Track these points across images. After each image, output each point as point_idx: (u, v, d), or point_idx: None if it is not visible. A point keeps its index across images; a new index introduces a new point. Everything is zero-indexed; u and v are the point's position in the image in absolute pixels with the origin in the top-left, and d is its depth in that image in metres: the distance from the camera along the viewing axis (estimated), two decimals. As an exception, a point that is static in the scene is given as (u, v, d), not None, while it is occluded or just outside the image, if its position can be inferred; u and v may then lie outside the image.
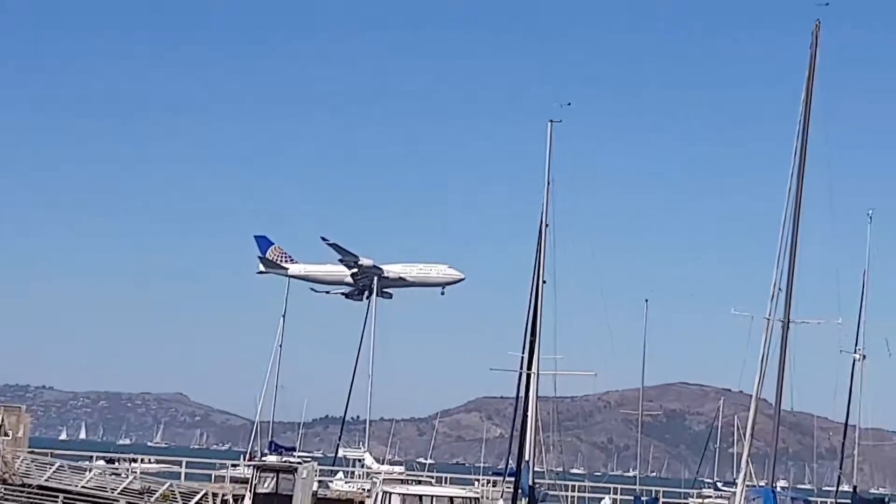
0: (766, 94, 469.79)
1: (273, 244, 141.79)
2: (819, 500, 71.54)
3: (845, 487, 75.86)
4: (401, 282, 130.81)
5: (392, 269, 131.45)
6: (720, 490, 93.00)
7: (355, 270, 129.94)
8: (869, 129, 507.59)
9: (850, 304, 70.01)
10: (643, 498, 78.91)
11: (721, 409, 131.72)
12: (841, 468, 73.45)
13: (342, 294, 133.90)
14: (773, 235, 45.19)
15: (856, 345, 70.64)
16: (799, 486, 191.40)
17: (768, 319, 44.55)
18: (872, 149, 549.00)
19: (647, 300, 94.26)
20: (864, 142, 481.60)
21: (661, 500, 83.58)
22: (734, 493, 50.67)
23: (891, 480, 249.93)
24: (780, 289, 44.69)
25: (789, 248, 44.77)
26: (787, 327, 44.59)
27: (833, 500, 70.89)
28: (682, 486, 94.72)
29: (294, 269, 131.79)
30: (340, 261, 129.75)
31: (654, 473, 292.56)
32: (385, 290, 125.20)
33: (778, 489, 51.85)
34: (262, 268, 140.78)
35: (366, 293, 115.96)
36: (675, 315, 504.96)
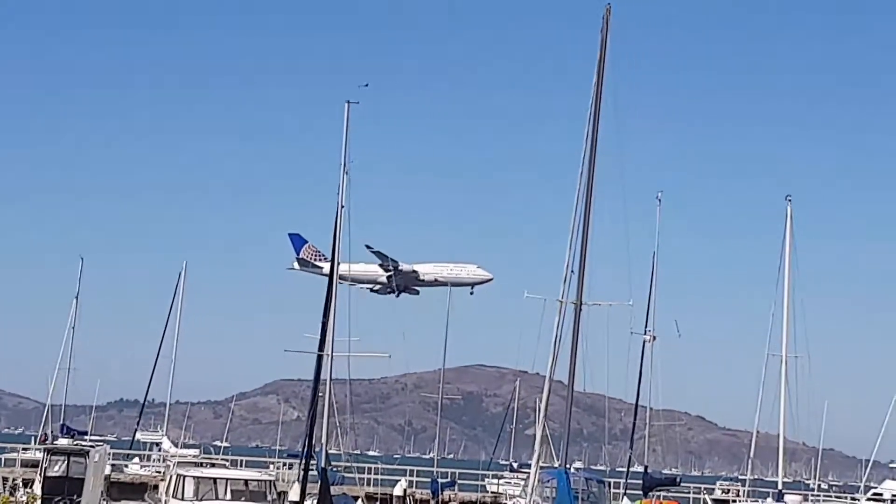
0: (559, 78, 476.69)
1: (307, 242, 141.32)
2: (612, 480, 72.56)
3: (638, 468, 77.14)
4: (434, 283, 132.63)
5: (427, 271, 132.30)
6: (515, 471, 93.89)
7: (391, 273, 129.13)
8: (659, 114, 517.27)
9: (640, 285, 71.50)
10: (440, 480, 79.19)
11: (517, 391, 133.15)
12: (632, 449, 74.72)
13: (369, 289, 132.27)
14: (567, 219, 45.67)
15: (646, 326, 71.93)
16: (593, 468, 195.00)
17: (561, 302, 44.99)
18: (663, 133, 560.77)
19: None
20: (654, 127, 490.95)
21: (458, 482, 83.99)
22: (529, 474, 51.03)
23: (682, 460, 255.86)
24: (572, 271, 45.22)
25: (581, 232, 45.33)
26: (580, 309, 45.10)
27: (624, 481, 72.02)
28: (479, 468, 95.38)
29: (329, 268, 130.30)
30: (380, 265, 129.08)
31: (452, 455, 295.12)
32: (414, 287, 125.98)
33: (572, 470, 52.39)
34: (296, 266, 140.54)
35: (397, 291, 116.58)
36: (473, 298, 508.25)
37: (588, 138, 45.59)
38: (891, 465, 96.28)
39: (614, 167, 46.31)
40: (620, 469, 77.21)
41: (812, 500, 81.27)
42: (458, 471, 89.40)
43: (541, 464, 48.24)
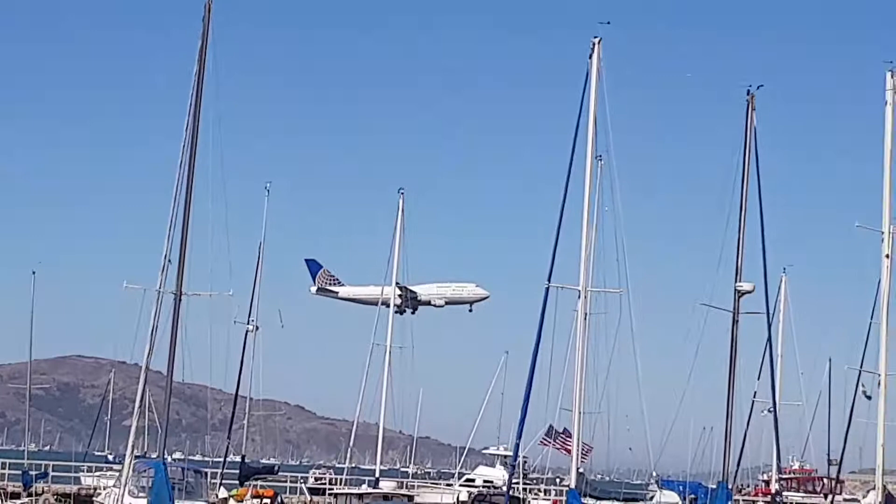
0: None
1: (322, 268, 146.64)
2: (211, 470, 72.39)
3: (236, 458, 77.17)
4: (439, 302, 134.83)
5: (433, 293, 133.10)
6: (111, 463, 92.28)
7: (402, 294, 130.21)
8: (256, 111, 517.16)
9: (245, 275, 71.61)
10: (32, 472, 77.05)
11: (113, 382, 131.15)
12: (230, 438, 74.79)
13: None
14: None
15: (249, 316, 72.07)
16: (192, 458, 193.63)
17: (159, 291, 44.57)
18: (265, 122, 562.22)
19: (34, 272, 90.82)
20: (254, 123, 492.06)
21: (51, 473, 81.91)
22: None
23: (281, 450, 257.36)
24: (169, 261, 44.84)
25: (182, 221, 44.93)
26: (179, 299, 44.77)
27: (221, 471, 71.96)
28: (73, 460, 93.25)
29: (343, 291, 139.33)
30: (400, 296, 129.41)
31: (48, 447, 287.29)
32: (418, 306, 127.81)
33: (170, 460, 51.96)
34: (313, 290, 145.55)
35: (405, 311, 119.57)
36: (67, 286, 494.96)
37: (187, 129, 45.27)
38: (483, 452, 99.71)
39: (216, 157, 46.06)
40: (217, 459, 77.13)
41: (408, 487, 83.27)
42: (52, 462, 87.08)
43: (139, 454, 47.66)
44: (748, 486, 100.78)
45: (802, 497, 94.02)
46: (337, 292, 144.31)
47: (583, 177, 47.71)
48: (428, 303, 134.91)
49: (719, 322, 49.79)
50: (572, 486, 47.28)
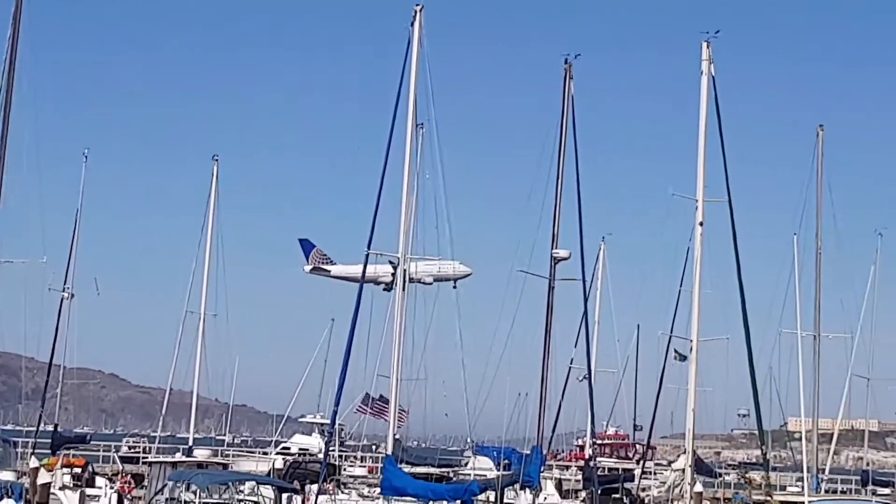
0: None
1: (315, 247, 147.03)
2: (21, 440, 70.84)
3: (48, 427, 75.79)
4: (428, 280, 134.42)
5: (422, 271, 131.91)
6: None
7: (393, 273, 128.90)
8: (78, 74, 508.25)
9: (61, 242, 70.12)
10: None
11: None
12: (43, 407, 73.29)
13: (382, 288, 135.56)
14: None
15: (64, 283, 70.61)
16: (3, 427, 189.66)
17: (-33, 258, 43.50)
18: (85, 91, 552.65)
19: None
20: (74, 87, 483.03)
21: None
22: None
23: (94, 419, 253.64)
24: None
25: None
26: (-11, 266, 43.78)
27: (33, 440, 70.55)
28: None
29: (335, 270, 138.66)
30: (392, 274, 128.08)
31: None
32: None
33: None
34: (307, 269, 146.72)
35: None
36: None
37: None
38: (300, 420, 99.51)
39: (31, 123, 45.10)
40: (32, 428, 75.58)
41: (223, 455, 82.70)
42: None
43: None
44: (563, 452, 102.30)
45: (615, 462, 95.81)
46: (329, 271, 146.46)
47: (403, 145, 47.52)
48: (419, 280, 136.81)
49: (537, 288, 50.33)
50: (388, 452, 47.30)
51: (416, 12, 47.94)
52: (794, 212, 63.33)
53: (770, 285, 63.66)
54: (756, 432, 56.08)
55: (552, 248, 50.32)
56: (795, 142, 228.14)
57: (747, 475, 70.86)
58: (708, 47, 51.17)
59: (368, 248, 47.32)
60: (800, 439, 75.72)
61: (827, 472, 70.32)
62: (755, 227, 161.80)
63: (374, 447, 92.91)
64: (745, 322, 50.29)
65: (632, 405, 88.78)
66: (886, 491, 72.23)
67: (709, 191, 51.00)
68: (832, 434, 73.78)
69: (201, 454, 74.26)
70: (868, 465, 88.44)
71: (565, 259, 50.40)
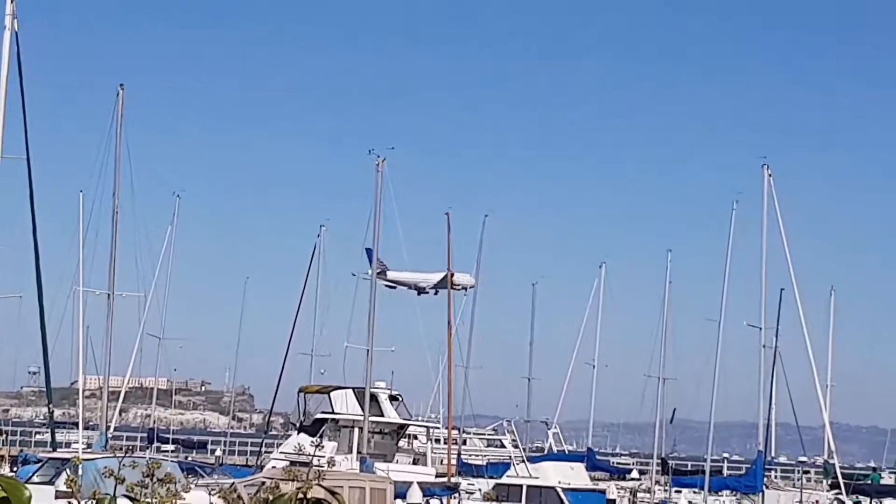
0: None
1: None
2: None
3: None
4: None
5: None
6: None
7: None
8: None
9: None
10: None
11: None
12: None
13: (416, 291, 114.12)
14: None
15: None
16: None
17: None
18: None
19: None
20: None
21: None
22: None
23: None
24: None
25: None
26: None
27: None
28: None
29: (390, 275, 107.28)
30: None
31: None
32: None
33: None
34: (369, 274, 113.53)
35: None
36: None
37: None
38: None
39: None
40: None
41: None
42: None
43: None
44: None
45: None
46: (386, 276, 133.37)
47: None
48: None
49: None
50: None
51: None
52: (90, 171, 62.93)
53: (66, 244, 63.33)
54: (45, 389, 55.97)
55: None
56: (97, 100, 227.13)
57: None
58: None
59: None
60: (89, 396, 76.24)
61: (112, 429, 71.19)
62: (52, 183, 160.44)
63: None
64: (38, 279, 50.32)
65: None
66: (170, 448, 74.75)
67: (7, 148, 50.28)
68: (120, 392, 74.90)
69: None
70: (155, 422, 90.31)
71: None
